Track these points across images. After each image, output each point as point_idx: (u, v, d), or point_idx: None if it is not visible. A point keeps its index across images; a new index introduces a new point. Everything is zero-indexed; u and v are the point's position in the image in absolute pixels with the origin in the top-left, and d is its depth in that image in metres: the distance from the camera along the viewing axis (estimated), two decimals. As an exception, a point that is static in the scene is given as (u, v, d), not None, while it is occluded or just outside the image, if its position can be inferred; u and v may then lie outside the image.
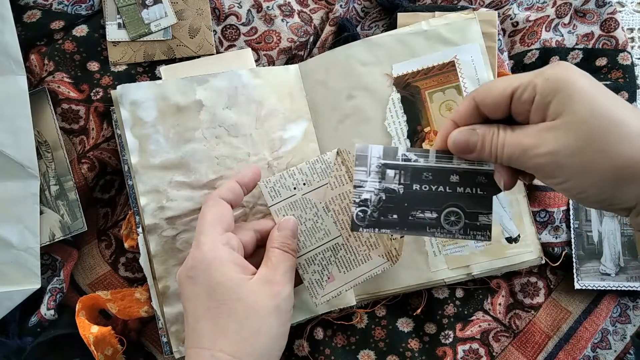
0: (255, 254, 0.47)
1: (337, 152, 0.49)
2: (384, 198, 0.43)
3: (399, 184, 0.43)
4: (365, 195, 0.43)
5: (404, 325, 0.55)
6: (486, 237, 0.43)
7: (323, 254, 0.48)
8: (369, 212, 0.43)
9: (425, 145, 0.54)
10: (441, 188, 0.43)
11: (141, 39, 0.57)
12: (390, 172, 0.43)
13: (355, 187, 0.43)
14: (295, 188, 0.48)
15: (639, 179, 0.35)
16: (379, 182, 0.43)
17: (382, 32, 0.59)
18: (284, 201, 0.48)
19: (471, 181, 0.43)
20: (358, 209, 0.43)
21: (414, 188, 0.43)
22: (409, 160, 0.43)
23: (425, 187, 0.43)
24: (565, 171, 0.36)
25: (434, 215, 0.43)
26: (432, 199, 0.43)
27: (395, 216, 0.43)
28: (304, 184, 0.48)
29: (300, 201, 0.48)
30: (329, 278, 0.48)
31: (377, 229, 0.43)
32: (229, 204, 0.46)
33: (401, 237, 0.49)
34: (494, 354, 0.54)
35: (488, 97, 0.39)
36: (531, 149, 0.37)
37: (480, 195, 0.43)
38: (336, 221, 0.48)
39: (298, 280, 0.48)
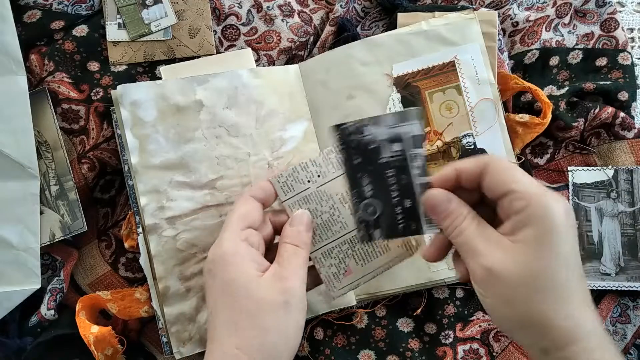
0: (275, 248, 0.47)
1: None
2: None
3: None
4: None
5: (404, 325, 0.55)
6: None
7: (340, 247, 0.47)
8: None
9: (425, 145, 0.54)
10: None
11: (141, 39, 0.57)
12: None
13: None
14: (309, 181, 0.47)
15: (541, 331, 0.37)
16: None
17: (382, 32, 0.59)
18: (298, 195, 0.47)
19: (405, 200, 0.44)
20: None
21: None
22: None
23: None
24: (490, 290, 0.38)
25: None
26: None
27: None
28: (319, 176, 0.47)
29: (315, 194, 0.47)
30: (346, 271, 0.47)
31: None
32: (260, 202, 0.46)
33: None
34: (494, 354, 0.54)
35: (466, 169, 0.41)
36: (480, 255, 0.38)
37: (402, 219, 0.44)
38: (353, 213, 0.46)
39: (318, 280, 0.47)
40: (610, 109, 0.55)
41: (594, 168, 0.55)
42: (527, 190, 0.38)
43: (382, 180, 0.44)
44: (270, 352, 0.41)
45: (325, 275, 0.47)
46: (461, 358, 0.54)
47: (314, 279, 0.47)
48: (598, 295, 0.54)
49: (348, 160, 0.45)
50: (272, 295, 0.42)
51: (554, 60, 0.58)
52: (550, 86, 0.58)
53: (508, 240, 0.38)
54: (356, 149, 0.44)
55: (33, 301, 0.53)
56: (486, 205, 0.41)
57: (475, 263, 0.39)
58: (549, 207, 0.37)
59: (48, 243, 0.54)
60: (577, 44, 0.58)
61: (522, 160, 0.54)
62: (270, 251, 0.46)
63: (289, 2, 0.59)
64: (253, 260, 0.43)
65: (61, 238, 0.54)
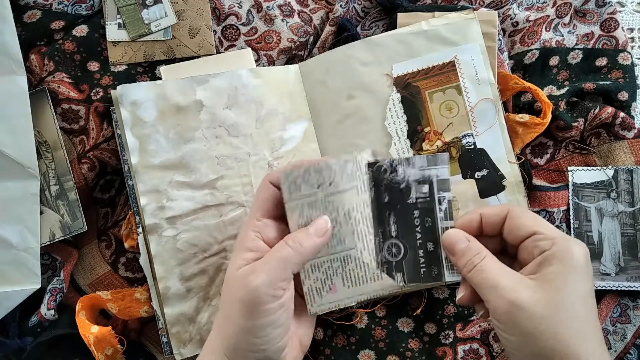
0: None
1: (372, 153, 0.45)
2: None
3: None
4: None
5: (404, 325, 0.55)
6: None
7: (331, 263, 0.45)
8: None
9: (425, 145, 0.54)
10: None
11: (141, 39, 0.57)
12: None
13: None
14: (319, 187, 0.43)
15: None
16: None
17: (382, 32, 0.59)
18: (303, 199, 0.43)
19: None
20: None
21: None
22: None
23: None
24: (512, 325, 0.39)
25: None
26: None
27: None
28: (330, 184, 0.43)
29: (322, 203, 0.44)
30: (330, 289, 0.46)
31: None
32: (277, 187, 0.44)
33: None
34: (494, 354, 0.54)
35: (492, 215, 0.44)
36: (503, 289, 0.40)
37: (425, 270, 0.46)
38: (354, 231, 0.44)
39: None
40: (610, 109, 0.55)
41: (594, 168, 0.55)
42: (551, 233, 0.41)
43: (408, 221, 0.44)
44: (230, 348, 0.42)
45: (307, 288, 0.45)
46: (461, 358, 0.54)
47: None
48: (598, 295, 0.54)
49: (378, 197, 0.44)
50: (236, 288, 0.41)
51: (554, 60, 0.58)
52: (550, 86, 0.58)
53: (530, 278, 0.40)
54: (387, 187, 0.44)
55: (33, 301, 0.54)
56: (505, 255, 0.44)
57: (498, 297, 0.40)
58: (573, 248, 0.40)
59: (48, 243, 0.54)
60: (577, 44, 0.58)
61: (522, 160, 0.54)
62: None
63: (289, 2, 0.59)
64: (249, 250, 0.43)
65: (61, 238, 0.54)
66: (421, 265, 0.45)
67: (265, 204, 0.44)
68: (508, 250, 0.45)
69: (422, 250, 0.45)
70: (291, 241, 0.42)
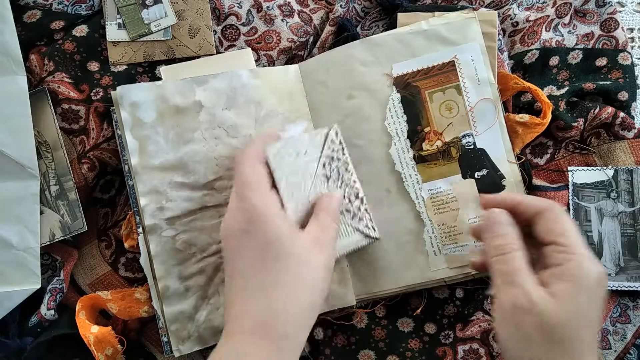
0: None
1: (336, 131, 0.52)
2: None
3: None
4: None
5: (404, 325, 0.55)
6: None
7: None
8: None
9: (425, 145, 0.54)
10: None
11: (141, 39, 0.57)
12: None
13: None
14: (297, 155, 0.48)
15: None
16: None
17: (382, 32, 0.59)
18: (286, 167, 0.48)
19: None
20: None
21: None
22: None
23: None
24: (514, 323, 0.40)
25: None
26: None
27: None
28: (305, 153, 0.49)
29: (302, 167, 0.48)
30: None
31: None
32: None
33: None
34: (494, 354, 0.54)
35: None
36: (518, 291, 0.40)
37: None
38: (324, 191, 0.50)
39: None
40: (610, 109, 0.55)
41: (594, 168, 0.55)
42: (573, 247, 0.41)
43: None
44: (305, 311, 0.43)
45: None
46: (461, 358, 0.54)
47: None
48: (598, 295, 0.54)
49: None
50: (315, 255, 0.44)
51: (554, 60, 0.58)
52: (550, 86, 0.58)
53: (543, 290, 0.40)
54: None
55: (33, 301, 0.54)
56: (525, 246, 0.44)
57: (509, 295, 0.41)
58: (587, 269, 0.40)
59: (48, 243, 0.54)
60: (577, 44, 0.58)
61: (522, 160, 0.54)
62: None
63: (289, 2, 0.59)
64: (286, 220, 0.44)
65: (61, 238, 0.54)
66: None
67: (264, 179, 0.45)
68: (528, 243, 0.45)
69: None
70: (334, 216, 0.48)
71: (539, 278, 0.41)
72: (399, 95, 0.54)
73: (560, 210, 0.43)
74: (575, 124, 0.55)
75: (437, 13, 0.55)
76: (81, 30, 0.57)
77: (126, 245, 0.55)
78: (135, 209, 0.52)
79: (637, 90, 0.57)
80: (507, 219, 0.44)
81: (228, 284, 0.44)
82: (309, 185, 0.49)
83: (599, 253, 0.54)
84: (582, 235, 0.53)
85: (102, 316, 0.56)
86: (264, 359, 0.40)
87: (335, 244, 0.47)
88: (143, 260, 0.52)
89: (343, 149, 0.53)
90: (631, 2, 0.60)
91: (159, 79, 0.57)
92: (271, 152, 0.47)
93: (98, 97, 0.56)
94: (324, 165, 0.50)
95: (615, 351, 0.53)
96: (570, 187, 0.55)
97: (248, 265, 0.43)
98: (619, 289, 0.53)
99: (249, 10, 0.58)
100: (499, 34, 0.56)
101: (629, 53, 0.57)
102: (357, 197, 0.53)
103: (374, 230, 0.53)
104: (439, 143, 0.54)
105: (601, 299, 0.40)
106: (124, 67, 0.58)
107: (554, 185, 0.55)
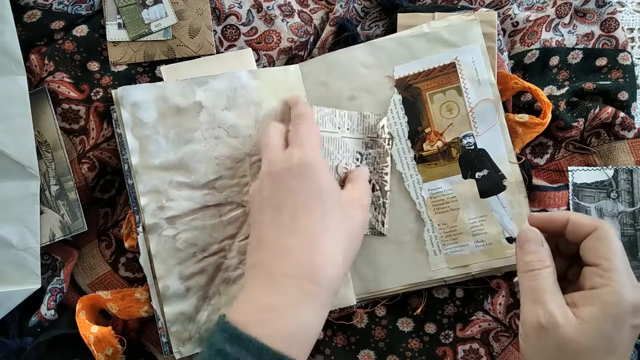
0: None
1: (387, 121, 0.54)
2: None
3: None
4: None
5: (404, 325, 0.55)
6: None
7: None
8: None
9: (425, 146, 0.54)
10: None
11: (141, 39, 0.57)
12: None
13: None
14: (339, 128, 0.53)
15: None
16: None
17: (382, 32, 0.59)
18: (325, 133, 0.52)
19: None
20: None
21: None
22: None
23: None
24: (536, 346, 0.41)
25: None
26: None
27: None
28: (347, 129, 0.53)
29: (339, 141, 0.53)
30: None
31: None
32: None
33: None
34: (494, 354, 0.54)
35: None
36: (544, 310, 0.40)
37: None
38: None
39: None
40: (610, 109, 0.55)
41: (594, 168, 0.55)
42: (611, 271, 0.40)
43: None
44: (344, 264, 0.44)
45: None
46: (461, 358, 0.54)
47: None
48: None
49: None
50: (359, 211, 0.47)
51: (554, 60, 0.58)
52: (550, 86, 0.58)
53: (570, 311, 0.40)
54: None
55: (33, 301, 0.53)
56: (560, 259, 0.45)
57: (534, 313, 0.41)
58: (621, 296, 0.39)
59: (48, 243, 0.54)
60: (577, 44, 0.58)
61: (522, 160, 0.54)
62: None
63: (289, 2, 0.59)
64: (331, 174, 0.47)
65: (61, 238, 0.54)
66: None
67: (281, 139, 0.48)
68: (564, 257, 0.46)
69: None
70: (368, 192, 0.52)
71: (570, 298, 0.41)
72: (400, 97, 0.54)
73: (609, 230, 0.42)
74: (575, 124, 0.55)
75: (437, 14, 0.55)
76: (81, 30, 0.57)
77: (126, 245, 0.55)
78: (134, 209, 0.52)
79: (637, 90, 0.57)
80: (537, 237, 0.44)
81: (263, 221, 0.44)
82: (339, 158, 0.52)
83: (598, 253, 0.54)
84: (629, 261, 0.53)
85: (102, 316, 0.56)
86: (302, 301, 0.41)
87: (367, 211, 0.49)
88: (143, 260, 0.52)
89: (390, 140, 0.54)
90: (631, 2, 0.60)
91: (159, 79, 0.57)
92: (317, 114, 0.52)
93: (98, 97, 0.56)
94: (363, 146, 0.53)
95: (615, 351, 0.53)
96: (570, 187, 0.55)
97: (301, 205, 0.43)
98: (618, 289, 0.53)
99: (249, 10, 0.58)
100: (498, 34, 0.56)
101: (629, 53, 0.57)
102: (380, 188, 0.54)
103: (383, 226, 0.53)
104: (439, 143, 0.54)
105: (633, 329, 0.39)
106: (124, 67, 0.58)
107: (554, 185, 0.55)
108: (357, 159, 0.53)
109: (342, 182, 0.52)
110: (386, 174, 0.54)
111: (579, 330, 0.39)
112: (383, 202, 0.53)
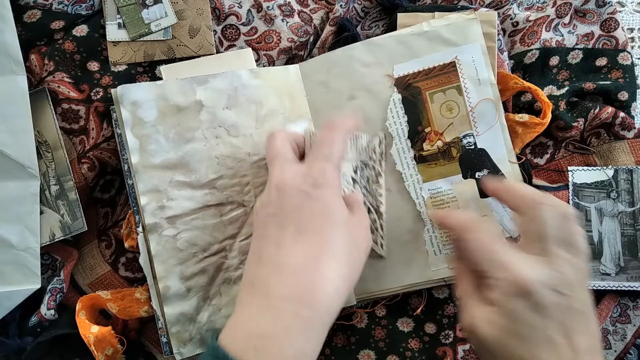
0: None
1: (380, 140, 0.53)
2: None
3: None
4: None
5: (404, 325, 0.55)
6: None
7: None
8: None
9: (425, 145, 0.54)
10: None
11: (141, 39, 0.57)
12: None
13: None
14: (359, 152, 0.51)
15: None
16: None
17: (382, 32, 0.59)
18: (346, 156, 0.50)
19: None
20: None
21: None
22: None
23: None
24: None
25: None
26: None
27: None
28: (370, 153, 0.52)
29: (360, 165, 0.51)
30: None
31: None
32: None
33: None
34: (494, 353, 0.54)
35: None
36: (466, 313, 0.42)
37: None
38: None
39: None
40: (610, 109, 0.55)
41: (594, 168, 0.55)
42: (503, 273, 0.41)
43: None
44: (345, 291, 0.42)
45: None
46: (461, 358, 0.54)
47: None
48: (598, 295, 0.54)
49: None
50: (364, 239, 0.45)
51: (554, 60, 0.58)
52: (550, 86, 0.58)
53: (486, 307, 0.41)
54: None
55: (33, 301, 0.53)
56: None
57: (462, 318, 0.43)
58: (511, 285, 0.40)
59: (48, 243, 0.54)
60: (577, 44, 0.58)
61: (522, 160, 0.54)
62: None
63: (289, 2, 0.59)
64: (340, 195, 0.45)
65: (61, 238, 0.54)
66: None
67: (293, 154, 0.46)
68: None
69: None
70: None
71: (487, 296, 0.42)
72: (400, 96, 0.54)
73: (479, 224, 0.44)
74: (575, 124, 0.55)
75: (437, 13, 0.55)
76: (81, 30, 0.57)
77: (126, 245, 0.55)
78: (134, 209, 0.52)
79: (637, 90, 0.57)
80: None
81: (267, 237, 0.43)
82: (344, 186, 0.49)
83: (599, 253, 0.54)
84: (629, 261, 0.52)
85: (102, 316, 0.55)
86: (298, 328, 0.39)
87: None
88: (143, 260, 0.52)
89: (382, 160, 0.53)
90: (631, 2, 0.61)
91: (159, 78, 0.57)
92: (309, 139, 0.49)
93: (98, 97, 0.56)
94: (355, 170, 0.51)
95: (615, 351, 0.53)
96: (570, 187, 0.55)
97: (308, 224, 0.41)
98: (619, 289, 0.53)
99: (249, 10, 0.58)
100: (498, 34, 0.56)
101: (629, 53, 0.57)
102: (376, 210, 0.52)
103: (382, 248, 0.52)
104: (439, 143, 0.54)
105: (532, 311, 0.40)
106: (124, 67, 0.58)
107: (554, 185, 0.56)
108: (349, 183, 0.51)
109: None
110: (380, 195, 0.53)
111: (490, 330, 0.40)
112: (380, 224, 0.52)
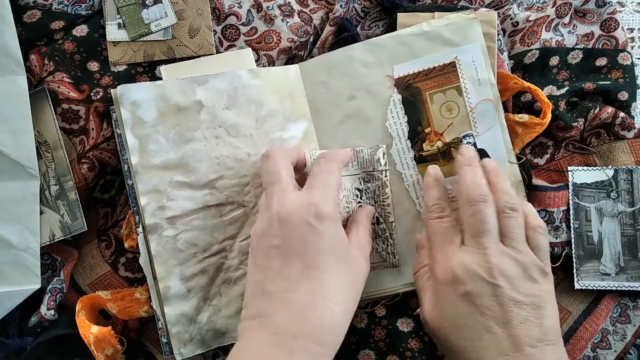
0: None
1: (383, 152, 0.53)
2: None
3: None
4: None
5: (404, 325, 0.55)
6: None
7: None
8: None
9: (425, 146, 0.54)
10: None
11: (141, 39, 0.57)
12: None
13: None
14: (359, 167, 0.52)
15: None
16: None
17: (382, 32, 0.59)
18: (347, 174, 0.51)
19: None
20: None
21: None
22: None
23: None
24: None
25: None
26: None
27: None
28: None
29: (359, 178, 0.52)
30: None
31: None
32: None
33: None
34: (494, 354, 0.54)
35: None
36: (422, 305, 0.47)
37: None
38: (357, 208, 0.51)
39: None
40: (610, 109, 0.55)
41: (594, 168, 0.55)
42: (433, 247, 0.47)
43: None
44: (345, 326, 0.43)
45: None
46: (461, 358, 0.54)
47: None
48: (598, 296, 0.54)
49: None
50: (363, 267, 0.46)
51: (554, 60, 0.58)
52: (550, 86, 0.58)
53: (431, 297, 0.45)
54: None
55: (33, 301, 0.53)
56: None
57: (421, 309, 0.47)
58: (439, 273, 0.45)
59: (48, 243, 0.54)
60: (577, 44, 0.58)
61: (522, 161, 0.54)
62: None
63: (289, 2, 0.59)
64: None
65: (61, 238, 0.54)
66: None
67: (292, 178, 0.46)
68: None
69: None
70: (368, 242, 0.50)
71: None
72: (399, 96, 0.54)
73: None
74: (575, 124, 0.55)
75: (437, 13, 0.55)
76: (81, 30, 0.57)
77: (126, 245, 0.55)
78: (134, 209, 0.52)
79: (637, 90, 0.57)
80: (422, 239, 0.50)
81: (270, 269, 0.42)
82: (339, 198, 0.50)
83: (599, 253, 0.54)
84: (583, 236, 0.53)
85: (102, 316, 0.55)
86: None
87: None
88: (143, 261, 0.52)
89: (386, 170, 0.53)
90: (631, 2, 0.61)
91: (159, 79, 0.57)
92: (310, 157, 0.50)
93: (98, 97, 0.56)
94: (360, 182, 0.52)
95: (615, 351, 0.53)
96: (570, 187, 0.55)
97: (312, 258, 0.42)
98: (619, 289, 0.53)
99: (249, 10, 0.58)
100: (498, 34, 0.56)
101: (629, 53, 0.57)
102: (385, 220, 0.53)
103: (394, 257, 0.53)
104: (439, 143, 0.54)
105: (462, 298, 0.42)
106: (124, 67, 0.58)
107: (554, 185, 0.56)
108: (357, 195, 0.52)
109: (345, 222, 0.50)
110: (388, 205, 0.53)
111: (431, 319, 0.43)
112: (390, 233, 0.53)
